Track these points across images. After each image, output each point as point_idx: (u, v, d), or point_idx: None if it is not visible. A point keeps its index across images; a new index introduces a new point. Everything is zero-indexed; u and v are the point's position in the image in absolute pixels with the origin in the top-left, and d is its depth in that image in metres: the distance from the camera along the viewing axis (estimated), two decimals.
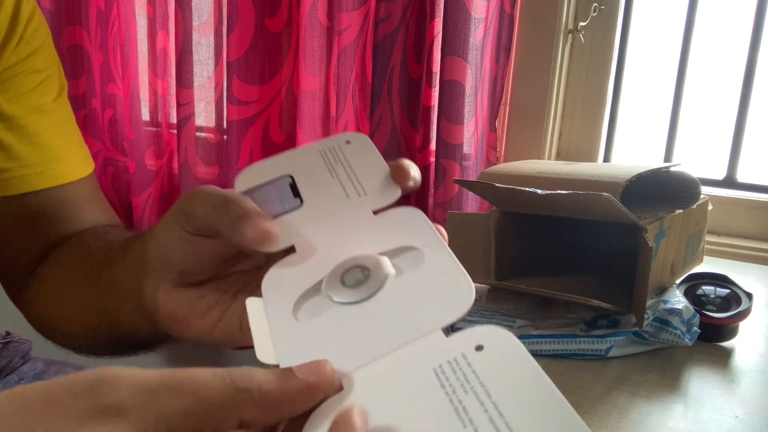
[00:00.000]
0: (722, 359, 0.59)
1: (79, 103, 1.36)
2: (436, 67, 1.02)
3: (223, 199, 0.32)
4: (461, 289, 0.26)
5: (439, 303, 0.26)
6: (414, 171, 0.34)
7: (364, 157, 0.35)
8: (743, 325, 0.63)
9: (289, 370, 0.25)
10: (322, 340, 0.27)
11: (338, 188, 0.34)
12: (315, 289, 0.29)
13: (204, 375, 0.24)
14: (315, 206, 0.33)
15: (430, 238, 0.29)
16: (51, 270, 0.52)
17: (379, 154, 0.35)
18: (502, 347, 0.23)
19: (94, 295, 0.45)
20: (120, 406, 0.22)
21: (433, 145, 1.05)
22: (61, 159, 0.54)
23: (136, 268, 0.39)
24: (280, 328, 0.28)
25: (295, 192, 0.34)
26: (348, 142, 0.35)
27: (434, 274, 0.27)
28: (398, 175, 0.34)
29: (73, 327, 0.48)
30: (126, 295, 0.40)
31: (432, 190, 1.07)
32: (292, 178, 0.35)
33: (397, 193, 0.33)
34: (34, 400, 0.22)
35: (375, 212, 0.32)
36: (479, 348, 0.23)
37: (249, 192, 0.34)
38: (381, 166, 0.34)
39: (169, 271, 0.36)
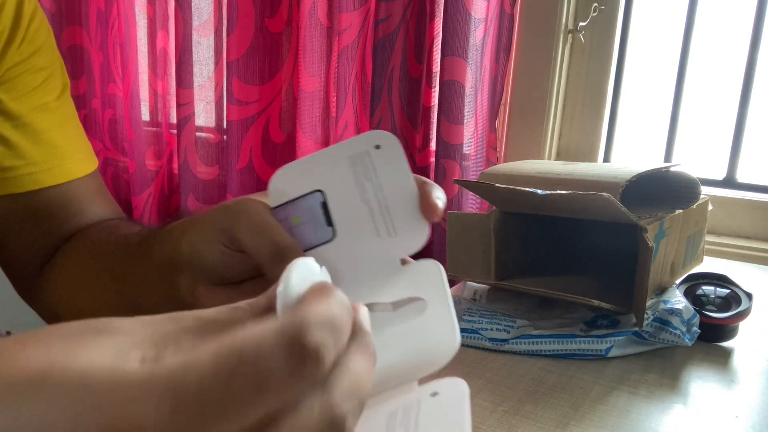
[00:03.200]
0: (722, 359, 0.59)
1: (79, 103, 1.36)
2: (436, 67, 1.02)
3: (267, 232, 0.34)
4: (446, 344, 0.29)
5: (424, 355, 0.29)
6: (442, 204, 0.34)
7: (394, 174, 0.35)
8: (743, 325, 0.63)
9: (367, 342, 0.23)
10: None
11: (369, 222, 0.35)
12: None
13: (263, 344, 0.19)
14: (346, 243, 0.35)
15: (439, 293, 0.31)
16: (63, 266, 0.53)
17: (408, 168, 0.34)
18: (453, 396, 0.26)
19: (113, 290, 0.46)
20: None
21: (433, 145, 1.05)
22: (66, 156, 0.54)
23: (166, 266, 0.39)
24: None
25: (327, 216, 0.35)
26: (377, 147, 0.34)
27: (428, 327, 0.30)
28: (428, 212, 0.34)
29: None
30: (153, 289, 0.41)
31: None
32: (323, 195, 0.35)
33: (425, 236, 0.34)
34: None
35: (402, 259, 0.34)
36: (434, 394, 0.27)
37: (284, 208, 0.35)
38: (410, 190, 0.34)
39: (207, 273, 0.37)
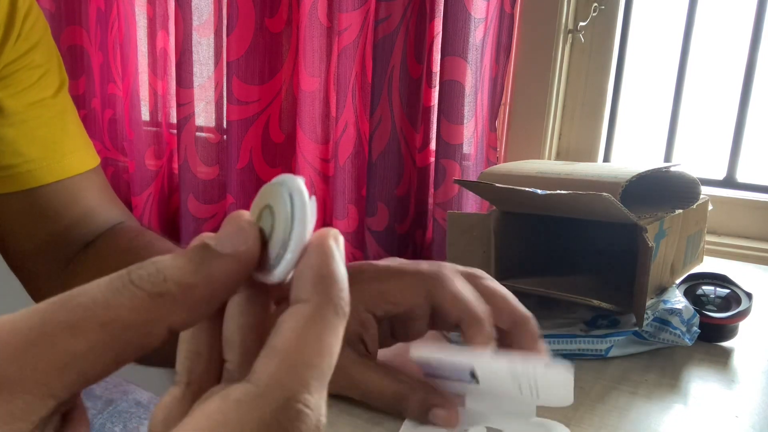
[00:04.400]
0: (722, 359, 0.59)
1: (79, 103, 1.36)
2: (436, 67, 1.02)
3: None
4: None
5: None
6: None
7: (557, 389, 0.35)
8: (743, 325, 0.63)
9: (205, 246, 0.19)
10: None
11: (517, 393, 0.35)
12: None
13: (99, 291, 0.18)
14: (487, 390, 0.35)
15: None
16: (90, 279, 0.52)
17: (572, 390, 0.34)
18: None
19: None
20: None
21: (433, 145, 1.05)
22: (65, 152, 0.54)
23: None
24: None
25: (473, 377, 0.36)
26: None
27: None
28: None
29: None
30: None
31: (432, 190, 1.07)
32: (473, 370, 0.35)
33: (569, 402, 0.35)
34: None
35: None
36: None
37: (427, 364, 0.36)
38: (569, 394, 0.35)
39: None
